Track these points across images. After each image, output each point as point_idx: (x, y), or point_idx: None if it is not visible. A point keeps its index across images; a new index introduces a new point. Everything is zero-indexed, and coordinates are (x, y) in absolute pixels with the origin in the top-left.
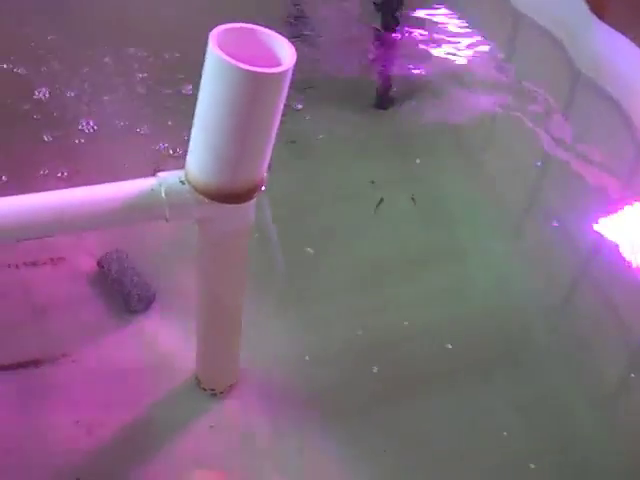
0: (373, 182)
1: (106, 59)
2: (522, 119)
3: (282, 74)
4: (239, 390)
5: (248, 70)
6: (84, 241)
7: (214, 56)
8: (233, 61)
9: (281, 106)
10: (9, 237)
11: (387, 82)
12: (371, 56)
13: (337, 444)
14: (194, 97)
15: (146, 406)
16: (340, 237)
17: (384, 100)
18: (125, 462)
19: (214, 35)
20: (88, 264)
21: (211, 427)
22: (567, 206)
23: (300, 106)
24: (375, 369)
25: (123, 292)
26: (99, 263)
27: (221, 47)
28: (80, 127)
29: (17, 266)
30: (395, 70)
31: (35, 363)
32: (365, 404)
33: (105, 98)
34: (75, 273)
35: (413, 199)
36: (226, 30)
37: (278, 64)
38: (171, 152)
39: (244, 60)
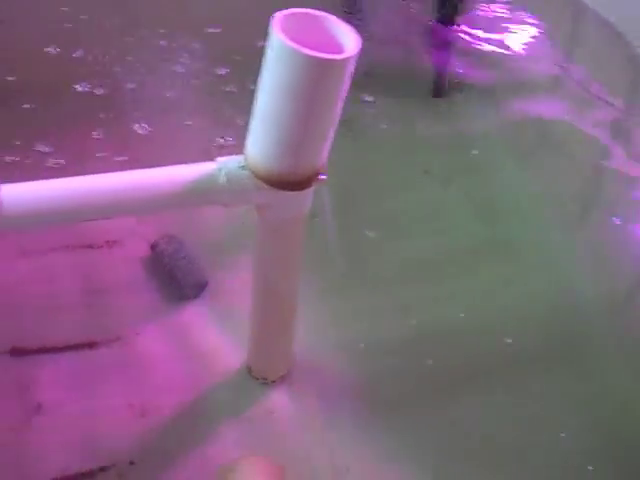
0: (427, 172)
1: (162, 43)
2: (582, 116)
3: (346, 61)
4: (290, 380)
5: (312, 55)
6: (139, 226)
7: (277, 41)
8: (297, 46)
9: (344, 93)
10: (69, 218)
11: (444, 71)
12: (427, 46)
13: (389, 436)
14: (248, 85)
15: (197, 392)
16: (397, 227)
17: (440, 89)
18: (177, 446)
19: (277, 20)
20: (142, 248)
21: (262, 415)
22: (629, 204)
23: (359, 95)
24: (430, 361)
25: (176, 278)
26: (153, 248)
27: (284, 32)
28: (136, 112)
29: (73, 248)
30: (452, 61)
31: (90, 345)
32: (418, 397)
33: (161, 84)
34: (130, 257)
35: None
36: (289, 15)
37: (341, 51)
38: (222, 141)
39: (306, 45)
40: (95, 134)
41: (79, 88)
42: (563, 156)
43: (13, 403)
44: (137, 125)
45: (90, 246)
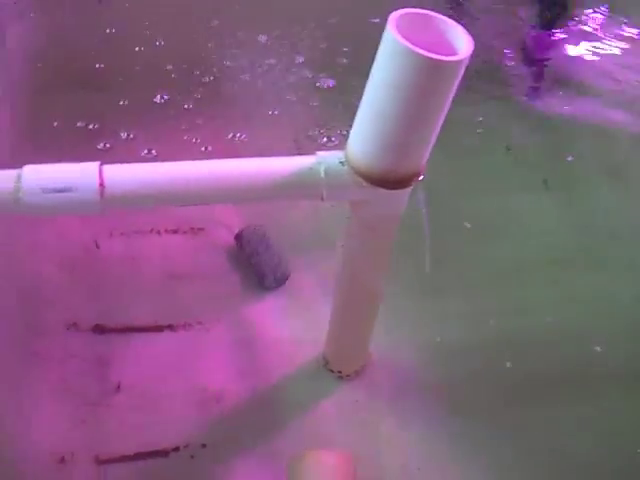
0: (525, 176)
1: (263, 38)
2: None
3: (458, 63)
4: (366, 375)
5: (425, 56)
6: (224, 215)
7: (391, 39)
8: (410, 45)
9: (452, 95)
10: (167, 202)
11: (541, 75)
12: (526, 45)
13: (462, 439)
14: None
15: (272, 381)
16: (490, 228)
17: (535, 91)
18: (249, 433)
19: (392, 19)
20: (226, 237)
21: (334, 409)
22: None
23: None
24: (509, 365)
25: (258, 269)
26: (237, 237)
27: (398, 31)
28: (231, 103)
29: (159, 232)
30: (550, 62)
31: (170, 328)
32: (495, 401)
33: (259, 76)
34: (213, 245)
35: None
36: (404, 15)
37: (453, 53)
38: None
39: (419, 46)
40: (186, 125)
41: (173, 79)
42: None
43: (93, 380)
44: (231, 113)
45: (175, 231)
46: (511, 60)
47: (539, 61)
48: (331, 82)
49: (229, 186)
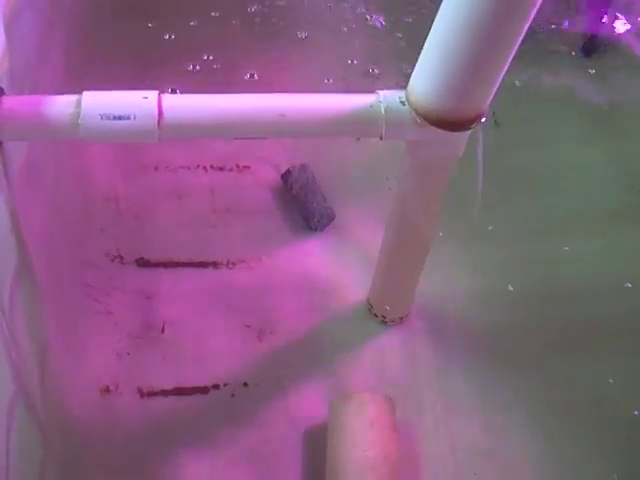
0: (573, 130)
1: None
2: None
3: None
4: (410, 322)
5: None
6: (270, 153)
7: None
8: None
9: (522, 34)
10: (224, 133)
11: (598, 29)
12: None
13: (500, 388)
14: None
15: (316, 322)
16: (542, 180)
17: (592, 48)
18: (290, 372)
19: None
20: (272, 176)
21: (377, 353)
22: None
23: None
24: (554, 314)
25: (304, 209)
26: (283, 177)
27: None
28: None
29: (205, 168)
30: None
31: (213, 264)
32: (536, 351)
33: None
34: (259, 183)
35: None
36: None
37: None
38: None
39: None
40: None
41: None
42: None
43: (137, 313)
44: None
45: (221, 168)
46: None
47: (596, 12)
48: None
49: (288, 120)
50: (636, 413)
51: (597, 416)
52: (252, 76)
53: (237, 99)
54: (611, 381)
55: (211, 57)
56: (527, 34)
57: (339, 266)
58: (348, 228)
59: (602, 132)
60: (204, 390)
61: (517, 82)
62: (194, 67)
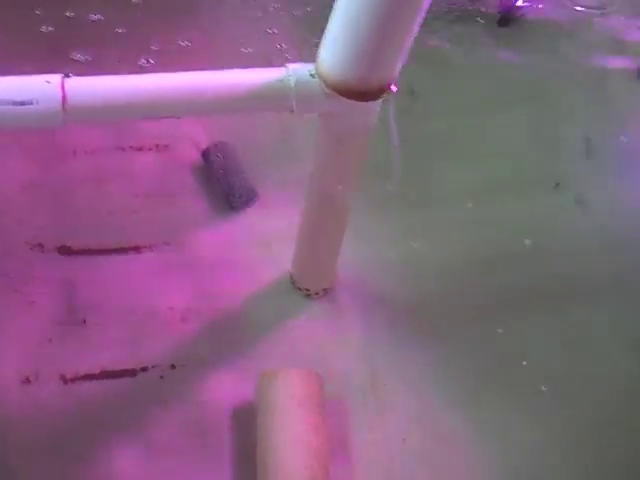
0: (489, 97)
1: None
2: None
3: None
4: (334, 294)
5: None
6: (190, 130)
7: None
8: None
9: (427, 3)
10: (133, 114)
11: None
12: None
13: (429, 356)
14: None
15: (240, 299)
16: (460, 148)
17: (507, 18)
18: (218, 353)
19: None
20: (193, 154)
21: (302, 327)
22: None
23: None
24: (476, 284)
25: (226, 187)
26: (204, 155)
27: None
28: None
29: (124, 149)
30: None
31: (136, 249)
32: (463, 319)
33: None
34: (179, 162)
35: None
36: None
37: None
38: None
39: None
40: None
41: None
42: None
43: (58, 300)
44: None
45: (140, 149)
46: None
47: None
48: None
49: (197, 97)
50: (544, 389)
51: (517, 383)
52: (148, 61)
53: (145, 79)
54: (530, 345)
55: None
56: (444, 4)
57: (263, 243)
58: (271, 204)
59: (521, 98)
60: (132, 373)
61: (434, 52)
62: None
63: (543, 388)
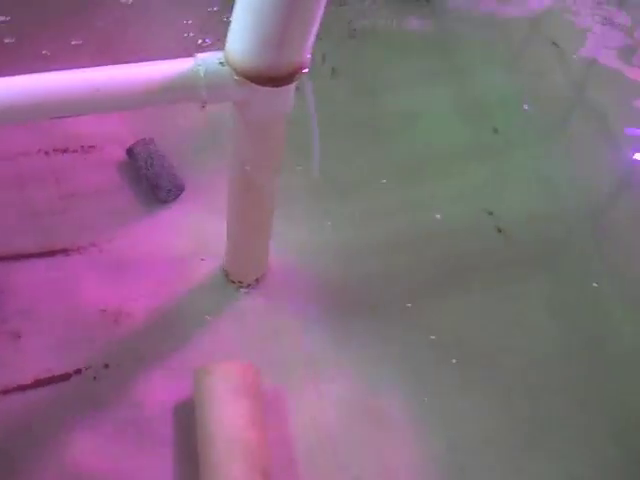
0: (412, 72)
1: None
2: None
3: None
4: (267, 283)
5: None
6: (114, 130)
7: None
8: None
9: None
10: (43, 114)
11: None
12: None
13: (365, 339)
14: None
15: (173, 296)
16: (382, 127)
17: None
18: (151, 350)
19: None
20: (118, 153)
21: (237, 319)
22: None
23: None
24: (408, 264)
25: (152, 182)
26: (129, 152)
27: None
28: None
29: (47, 152)
30: None
31: (64, 252)
32: (396, 300)
33: None
34: (105, 161)
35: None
36: None
37: None
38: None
39: None
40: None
41: None
42: (549, 53)
43: None
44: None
45: (64, 150)
46: None
47: None
48: None
49: (104, 94)
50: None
51: (461, 354)
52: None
53: (45, 78)
54: (466, 322)
55: None
56: None
57: (192, 236)
58: (199, 197)
59: (446, 72)
60: (66, 377)
61: (354, 32)
62: None
63: (475, 365)
